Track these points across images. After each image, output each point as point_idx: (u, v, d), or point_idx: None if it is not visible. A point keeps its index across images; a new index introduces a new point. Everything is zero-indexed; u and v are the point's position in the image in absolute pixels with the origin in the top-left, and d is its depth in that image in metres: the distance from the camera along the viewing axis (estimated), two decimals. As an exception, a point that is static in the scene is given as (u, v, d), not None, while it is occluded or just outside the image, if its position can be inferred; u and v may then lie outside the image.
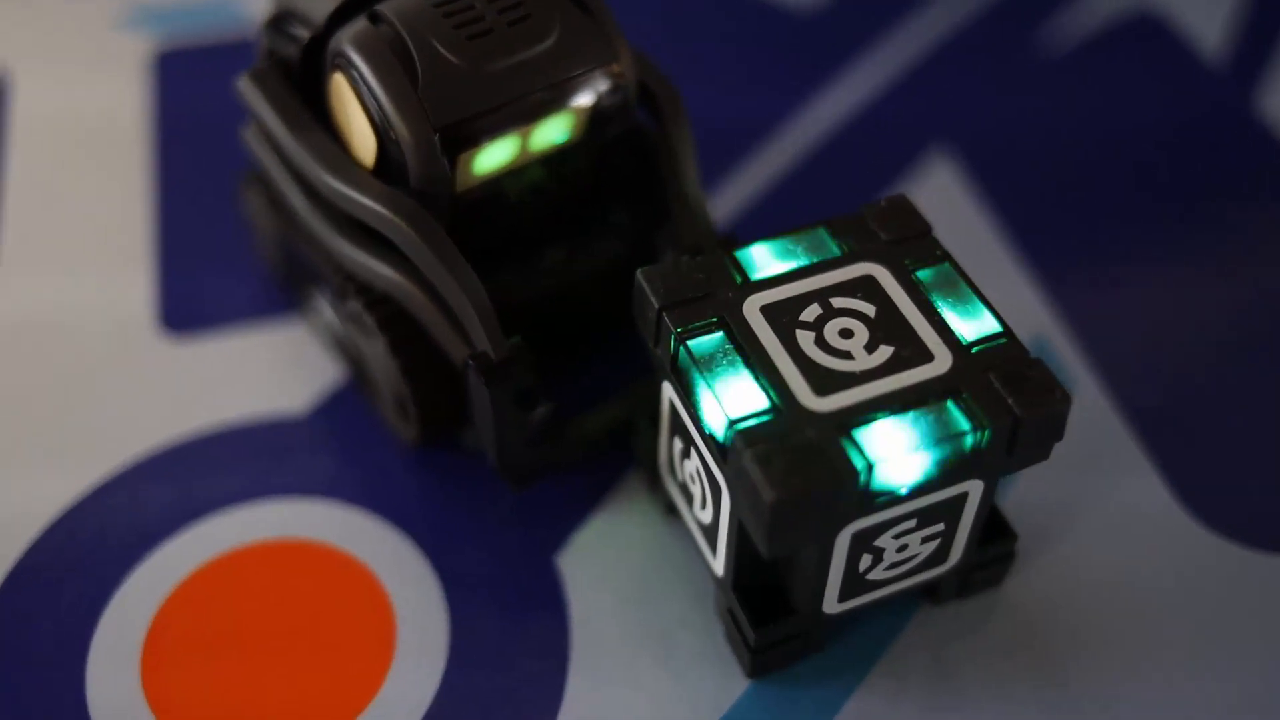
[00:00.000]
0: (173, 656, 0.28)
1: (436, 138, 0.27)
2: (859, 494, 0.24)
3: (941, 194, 0.39)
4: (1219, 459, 0.32)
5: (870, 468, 0.24)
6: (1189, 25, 0.45)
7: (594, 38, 0.29)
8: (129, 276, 0.36)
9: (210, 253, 0.37)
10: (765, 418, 0.24)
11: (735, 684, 0.28)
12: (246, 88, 0.30)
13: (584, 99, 0.29)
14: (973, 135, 0.41)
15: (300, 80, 0.30)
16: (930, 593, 0.29)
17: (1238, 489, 0.32)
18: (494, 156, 0.29)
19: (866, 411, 0.24)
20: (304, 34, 0.29)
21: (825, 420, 0.24)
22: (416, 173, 0.27)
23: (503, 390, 0.28)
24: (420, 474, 0.32)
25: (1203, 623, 0.29)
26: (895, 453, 0.24)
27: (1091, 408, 0.33)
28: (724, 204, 0.39)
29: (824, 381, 0.25)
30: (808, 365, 0.25)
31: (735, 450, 0.24)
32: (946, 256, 0.27)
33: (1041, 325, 0.35)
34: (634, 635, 0.29)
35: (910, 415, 0.24)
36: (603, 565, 0.30)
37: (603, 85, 0.29)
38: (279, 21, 0.30)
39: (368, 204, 0.28)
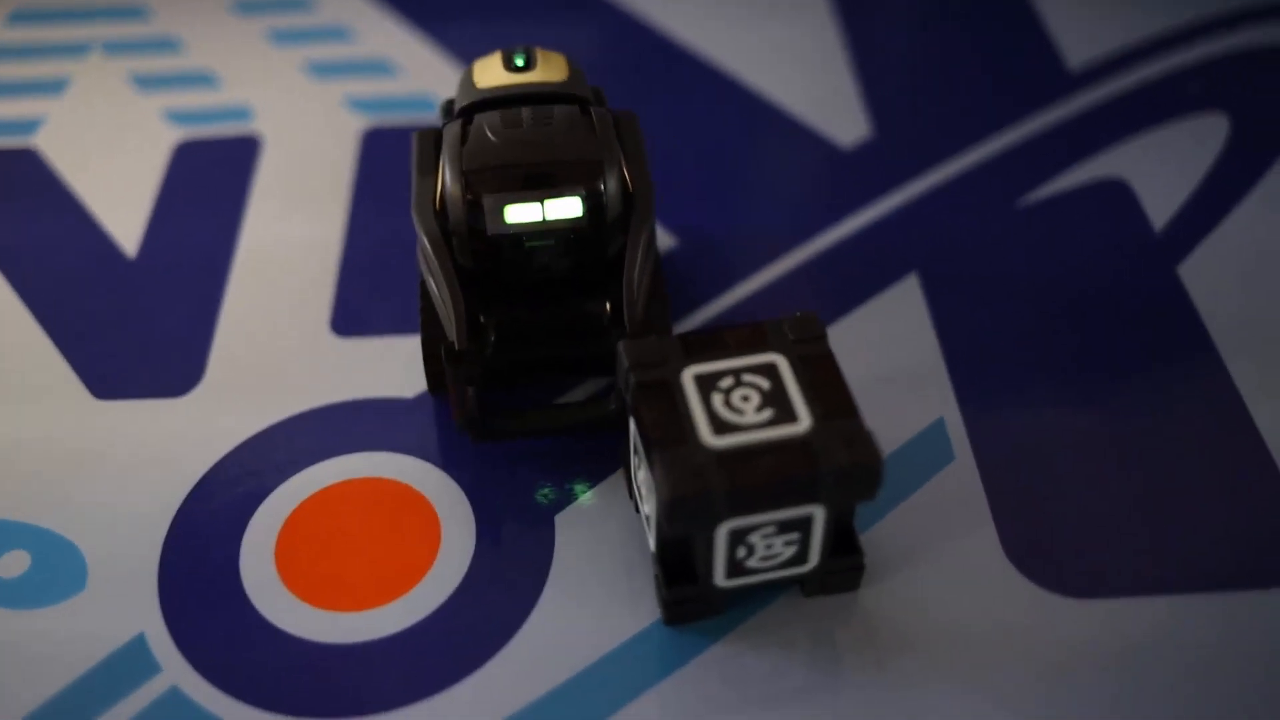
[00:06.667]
0: (297, 542, 0.44)
1: (467, 197, 0.42)
2: (727, 501, 0.37)
3: (905, 302, 0.51)
4: (1045, 527, 0.44)
5: (734, 483, 0.37)
6: (1147, 197, 0.56)
7: (592, 141, 0.43)
8: (319, 292, 0.53)
9: (376, 278, 0.53)
10: (677, 445, 0.38)
11: (649, 620, 0.41)
12: (413, 141, 0.46)
13: (575, 180, 0.43)
14: (941, 263, 0.53)
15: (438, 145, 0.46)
16: (801, 585, 0.42)
17: (1053, 549, 0.43)
18: (519, 213, 0.43)
19: (743, 449, 0.38)
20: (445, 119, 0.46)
21: (714, 451, 0.38)
22: (452, 214, 0.43)
23: (458, 371, 0.42)
24: (475, 446, 0.47)
25: (1009, 648, 0.40)
26: (754, 477, 0.37)
27: (964, 476, 0.45)
28: (745, 288, 0.52)
29: (720, 426, 0.38)
30: (712, 415, 0.38)
31: (652, 462, 0.38)
32: (829, 357, 0.40)
33: (947, 411, 0.47)
34: (596, 575, 0.43)
35: (771, 455, 0.38)
36: (588, 527, 0.44)
37: (592, 174, 0.43)
38: (446, 104, 0.47)
39: (420, 229, 0.43)
